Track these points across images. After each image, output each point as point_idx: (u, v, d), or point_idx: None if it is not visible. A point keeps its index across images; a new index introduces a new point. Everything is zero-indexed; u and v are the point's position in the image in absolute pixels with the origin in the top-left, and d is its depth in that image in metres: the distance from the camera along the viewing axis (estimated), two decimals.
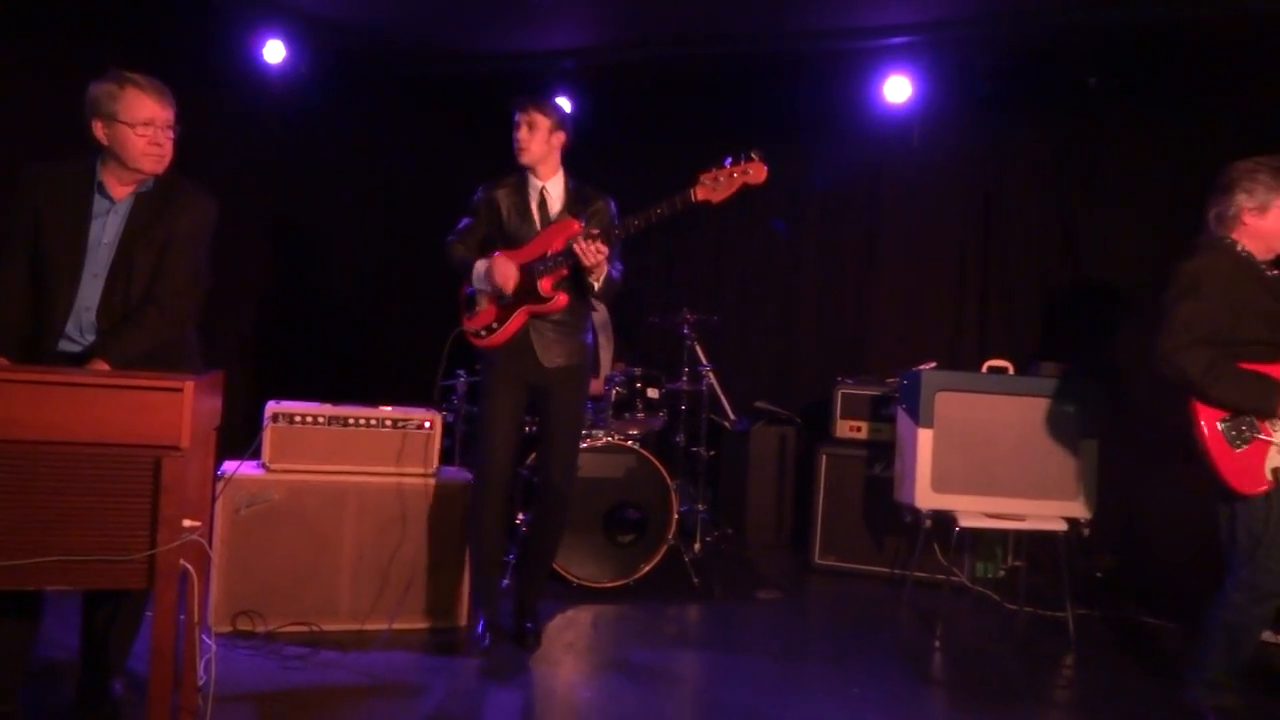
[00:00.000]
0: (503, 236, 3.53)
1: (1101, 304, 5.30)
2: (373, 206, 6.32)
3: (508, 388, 3.51)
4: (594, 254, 3.27)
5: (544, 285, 3.40)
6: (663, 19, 5.14)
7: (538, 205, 3.51)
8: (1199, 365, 3.02)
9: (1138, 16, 4.50)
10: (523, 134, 3.44)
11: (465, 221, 3.60)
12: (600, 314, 5.35)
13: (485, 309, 3.52)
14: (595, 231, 3.30)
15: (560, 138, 3.50)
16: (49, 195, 2.65)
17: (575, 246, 3.27)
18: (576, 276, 3.42)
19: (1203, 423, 3.09)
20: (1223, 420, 3.08)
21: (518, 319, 3.46)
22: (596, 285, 3.39)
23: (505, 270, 3.41)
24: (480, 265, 3.48)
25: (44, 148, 3.22)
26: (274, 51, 5.35)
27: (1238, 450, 3.07)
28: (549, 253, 3.39)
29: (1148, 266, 5.11)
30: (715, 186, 3.19)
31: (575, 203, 3.52)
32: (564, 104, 5.88)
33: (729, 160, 3.19)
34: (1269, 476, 3.04)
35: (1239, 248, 3.15)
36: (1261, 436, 3.05)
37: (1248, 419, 3.06)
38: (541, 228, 3.48)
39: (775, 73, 5.58)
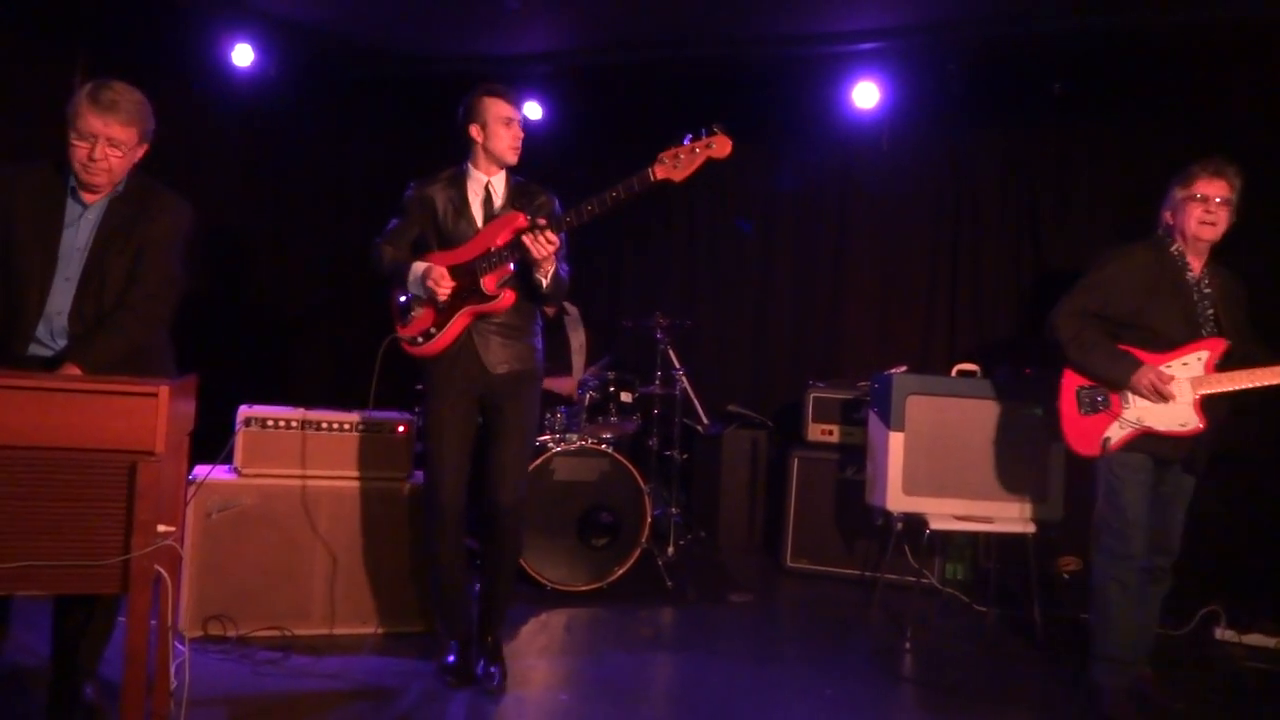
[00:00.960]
0: (437, 236, 3.28)
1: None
2: (342, 209, 6.29)
3: (451, 401, 3.23)
4: (544, 245, 3.04)
5: (487, 283, 3.15)
6: (633, 24, 5.16)
7: (482, 201, 3.27)
8: (1069, 331, 3.37)
9: (1103, 24, 4.58)
10: (519, 131, 3.25)
11: (394, 222, 3.34)
12: (573, 315, 5.37)
13: (421, 313, 3.26)
14: (543, 222, 3.07)
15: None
16: (21, 199, 2.62)
17: (524, 239, 3.04)
18: (523, 275, 3.19)
19: (1064, 385, 3.43)
20: (1081, 387, 3.40)
21: (458, 322, 3.20)
22: (545, 282, 3.17)
23: (437, 278, 3.14)
24: (418, 267, 3.21)
25: (14, 150, 3.19)
26: (243, 55, 5.33)
27: (1084, 415, 3.39)
28: (493, 248, 3.15)
29: None
30: (676, 164, 2.98)
31: (518, 197, 3.29)
32: (534, 109, 5.93)
33: (689, 137, 2.99)
34: (1100, 444, 3.33)
35: (1172, 247, 3.36)
36: (1111, 409, 3.33)
37: (1103, 390, 3.35)
38: (484, 224, 3.23)
39: (746, 78, 5.63)
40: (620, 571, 4.44)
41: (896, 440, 4.21)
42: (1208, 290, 3.34)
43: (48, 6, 4.63)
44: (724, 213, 6.17)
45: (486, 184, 3.29)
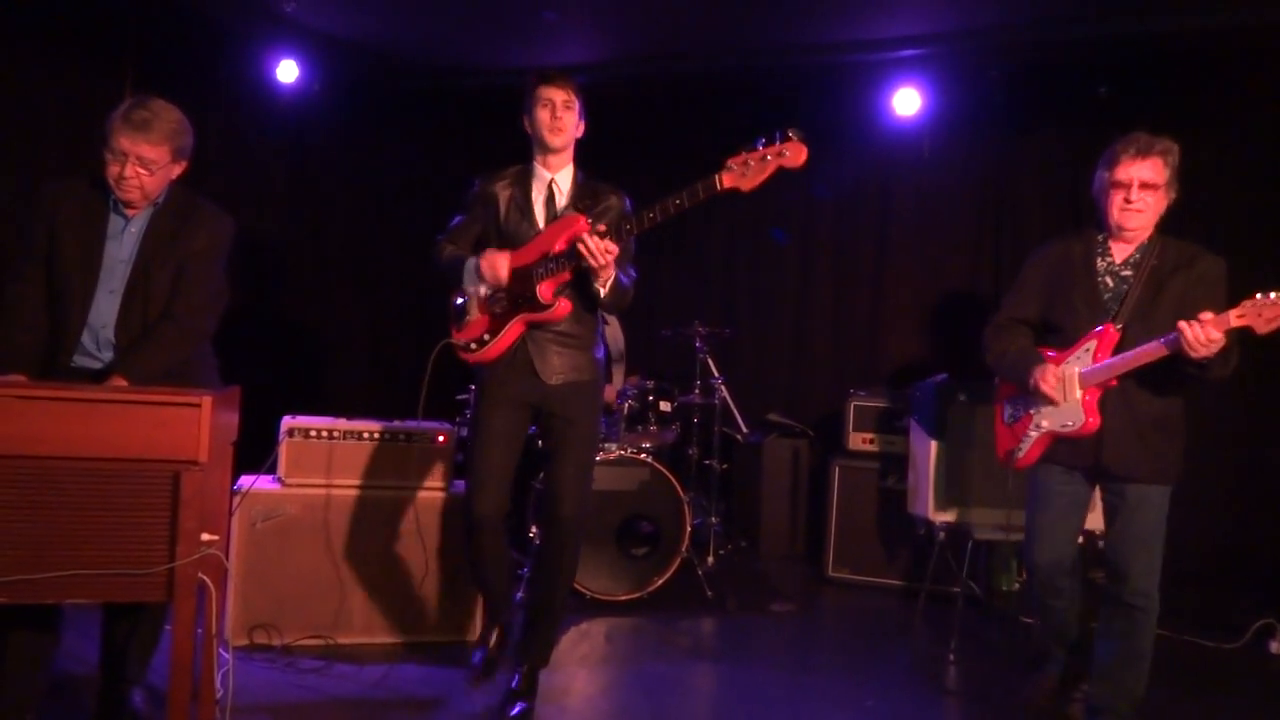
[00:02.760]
0: (499, 236, 3.10)
1: None
2: (384, 222, 6.37)
3: (501, 410, 3.08)
4: (602, 254, 2.83)
5: (543, 290, 2.96)
6: (670, 35, 5.18)
7: (544, 201, 3.09)
8: (987, 337, 3.27)
9: (1148, 27, 4.51)
10: (561, 114, 3.03)
11: (458, 219, 3.22)
12: (612, 327, 5.37)
13: (475, 319, 3.10)
14: (602, 228, 2.87)
15: (582, 125, 3.15)
16: (65, 213, 2.68)
17: (580, 246, 2.83)
18: (581, 282, 3.00)
19: (1000, 391, 3.34)
20: (1011, 395, 3.26)
21: (513, 330, 3.04)
22: (603, 292, 2.96)
23: (495, 261, 3.00)
24: (471, 262, 3.08)
25: (62, 165, 3.28)
26: (287, 71, 5.42)
27: (1006, 425, 3.27)
28: (550, 253, 2.95)
29: None
30: (745, 172, 2.71)
31: (583, 197, 3.08)
32: None
33: (761, 141, 2.71)
34: (1009, 458, 3.22)
35: (1099, 235, 3.13)
36: (1026, 418, 3.17)
37: (1021, 402, 3.19)
38: (545, 225, 3.05)
39: (784, 87, 5.63)
40: (660, 581, 4.43)
41: (938, 449, 4.16)
42: (1126, 274, 3.03)
43: (96, 26, 4.75)
44: (764, 221, 6.15)
45: (550, 182, 3.10)
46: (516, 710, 3.07)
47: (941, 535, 4.16)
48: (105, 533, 2.13)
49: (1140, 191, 2.98)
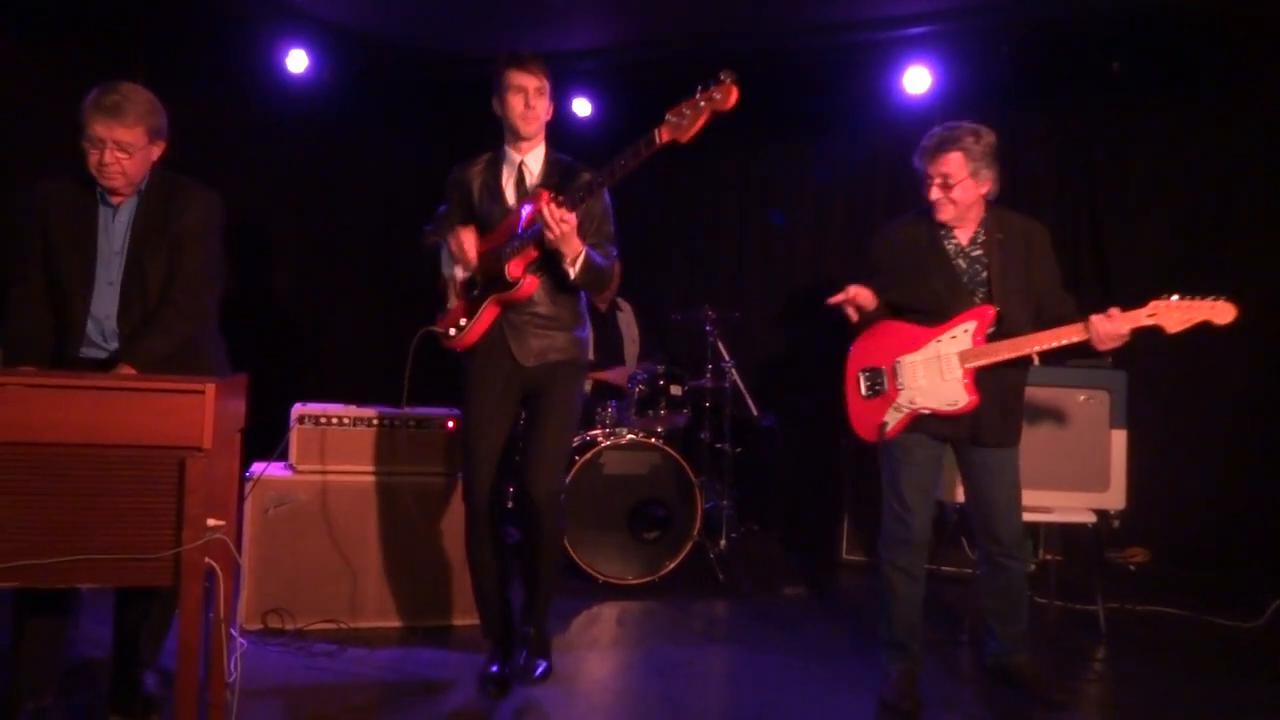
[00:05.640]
0: (475, 220, 3.14)
1: (1128, 292, 5.21)
2: (392, 209, 6.38)
3: (486, 396, 3.11)
4: (557, 223, 2.81)
5: (511, 268, 2.96)
6: (679, 17, 5.15)
7: (514, 182, 3.10)
8: None
9: (1160, 0, 4.45)
10: (534, 101, 3.02)
11: (441, 208, 3.29)
12: (627, 312, 5.37)
13: (454, 305, 3.16)
14: (560, 197, 2.85)
15: (551, 107, 3.13)
16: (56, 211, 2.71)
17: (539, 216, 2.84)
18: (553, 262, 2.99)
19: (848, 367, 3.31)
20: (863, 369, 3.25)
21: (487, 313, 3.07)
22: (573, 272, 2.93)
23: (461, 237, 3.02)
24: (445, 244, 3.13)
25: (73, 159, 3.28)
26: (297, 61, 5.43)
27: (865, 399, 3.25)
28: (517, 231, 2.97)
29: (1176, 255, 5.06)
30: (680, 121, 2.68)
31: (553, 175, 3.07)
32: (583, 105, 5.94)
33: (698, 90, 2.69)
34: (878, 431, 3.19)
35: (931, 216, 3.19)
36: (887, 393, 3.17)
37: (883, 373, 3.19)
38: (516, 205, 3.06)
39: (794, 68, 5.58)
40: (672, 565, 4.44)
41: None
42: (977, 254, 3.15)
43: (106, 18, 4.77)
44: (775, 203, 6.12)
45: (520, 163, 3.11)
46: (540, 670, 3.17)
47: (955, 516, 4.14)
48: (113, 518, 2.15)
49: (941, 186, 3.11)
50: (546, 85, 3.06)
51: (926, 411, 3.12)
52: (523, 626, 3.29)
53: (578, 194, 2.86)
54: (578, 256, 2.93)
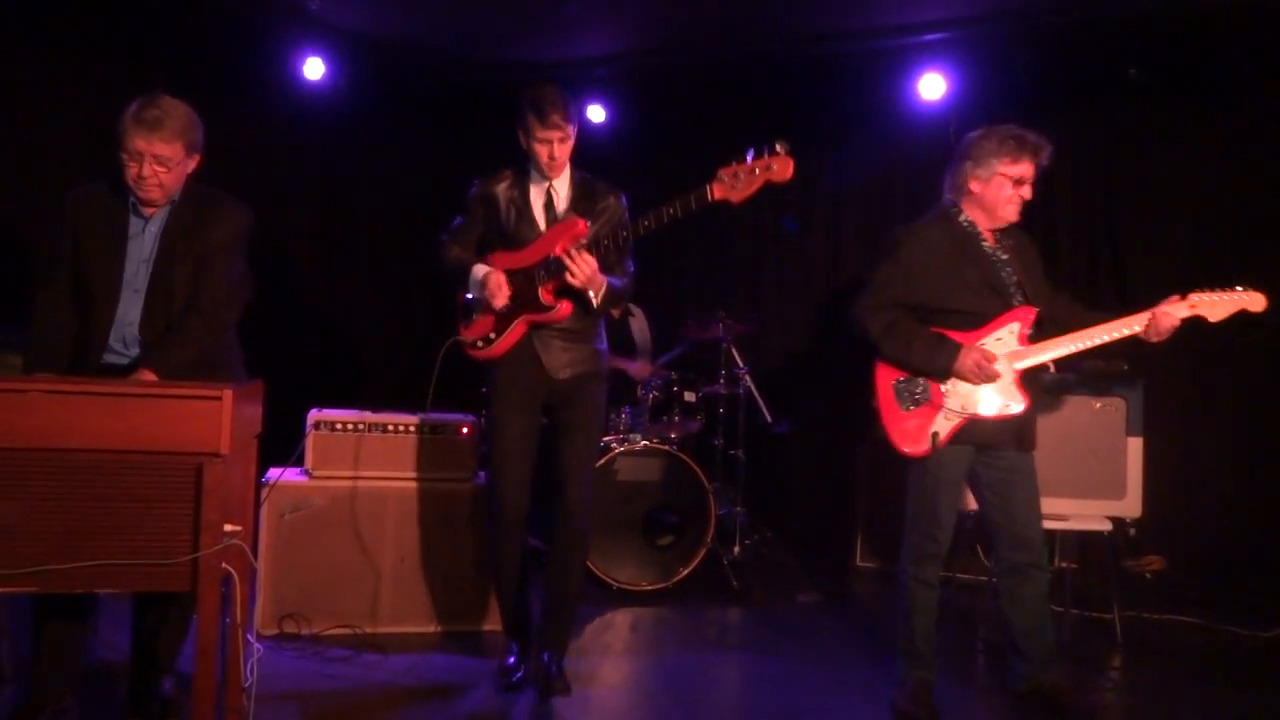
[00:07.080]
0: (500, 236, 3.21)
1: (1146, 299, 5.20)
2: (409, 216, 6.40)
3: (515, 405, 3.20)
4: (581, 270, 2.95)
5: (545, 293, 3.07)
6: (693, 23, 5.16)
7: (544, 205, 3.18)
8: (879, 325, 3.09)
9: (1177, 7, 4.43)
10: (558, 151, 3.11)
11: (459, 220, 3.31)
12: (639, 316, 5.38)
13: (482, 317, 3.22)
14: (583, 241, 3.00)
15: (574, 133, 3.18)
16: (87, 219, 2.75)
17: (565, 260, 2.96)
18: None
19: (879, 380, 3.18)
20: (898, 380, 3.14)
21: (517, 329, 3.16)
22: (595, 300, 3.05)
23: (495, 289, 3.08)
24: (479, 270, 3.17)
25: (93, 166, 3.32)
26: (314, 69, 5.46)
27: (905, 411, 3.12)
28: (551, 256, 3.04)
29: (1194, 260, 5.03)
30: (734, 184, 2.80)
31: (582, 199, 3.18)
32: (598, 111, 5.95)
33: (751, 154, 2.79)
34: (929, 441, 3.07)
35: (961, 217, 3.14)
36: (932, 401, 3.08)
37: (922, 382, 3.10)
38: (546, 228, 3.15)
39: (809, 74, 5.58)
40: (685, 571, 4.44)
41: None
42: (1005, 257, 3.13)
43: (124, 28, 4.82)
44: (789, 210, 6.11)
45: (548, 187, 3.19)
46: (555, 678, 3.20)
47: (970, 524, 4.13)
48: (130, 524, 2.17)
49: (1030, 188, 3.09)
50: (571, 131, 3.12)
51: (982, 417, 3.06)
52: (540, 652, 3.26)
53: (620, 234, 3.02)
54: (600, 288, 3.06)
